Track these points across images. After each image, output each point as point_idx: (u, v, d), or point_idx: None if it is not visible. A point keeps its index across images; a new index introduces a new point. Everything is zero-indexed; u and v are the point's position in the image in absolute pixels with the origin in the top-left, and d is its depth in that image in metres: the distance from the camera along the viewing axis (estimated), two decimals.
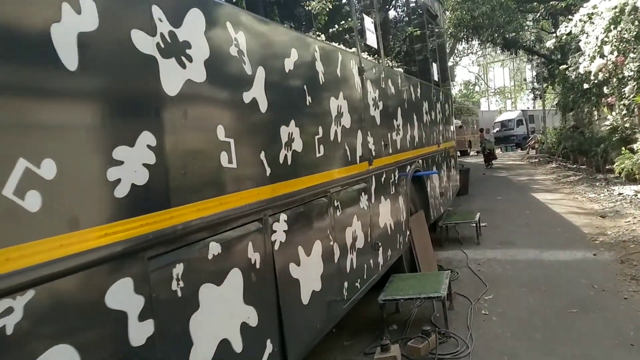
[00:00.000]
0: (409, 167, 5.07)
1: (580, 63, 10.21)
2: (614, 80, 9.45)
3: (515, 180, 14.11)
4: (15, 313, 1.18)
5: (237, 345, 2.03)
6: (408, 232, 4.87)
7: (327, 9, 5.43)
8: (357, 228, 3.50)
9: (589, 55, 9.47)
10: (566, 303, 4.15)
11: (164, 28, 1.72)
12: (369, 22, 4.27)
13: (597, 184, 11.26)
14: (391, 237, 4.31)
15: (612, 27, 8.54)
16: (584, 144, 14.84)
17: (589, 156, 14.00)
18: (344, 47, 3.86)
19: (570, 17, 10.59)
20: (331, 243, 3.05)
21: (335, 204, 3.16)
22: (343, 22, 5.73)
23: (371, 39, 4.29)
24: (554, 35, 13.14)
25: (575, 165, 15.76)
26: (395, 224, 4.42)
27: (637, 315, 3.77)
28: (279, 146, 2.49)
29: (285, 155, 2.54)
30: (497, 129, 31.84)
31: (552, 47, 15.08)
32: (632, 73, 8.64)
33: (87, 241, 1.38)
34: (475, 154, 27.56)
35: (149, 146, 1.61)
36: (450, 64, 16.92)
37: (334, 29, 5.76)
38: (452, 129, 8.67)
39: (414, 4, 8.04)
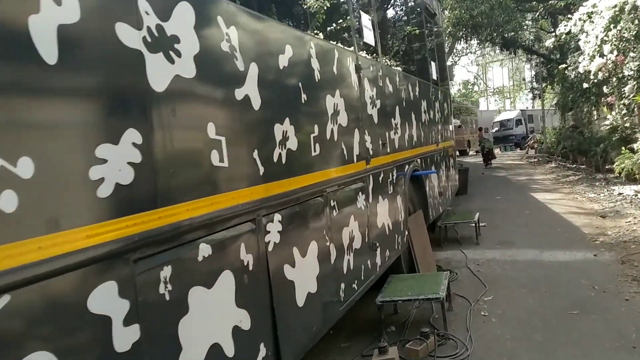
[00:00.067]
0: (407, 167, 5.01)
1: (580, 62, 10.16)
2: (614, 79, 9.41)
3: (515, 180, 14.07)
4: None
5: (229, 350, 1.97)
6: (406, 232, 4.81)
7: (325, 7, 5.39)
8: (355, 228, 3.44)
9: (588, 54, 9.42)
10: (566, 304, 4.09)
11: (151, 21, 1.66)
12: (366, 20, 4.22)
13: (597, 183, 11.22)
14: (389, 238, 4.25)
15: (612, 26, 8.49)
16: (584, 143, 14.81)
17: (589, 156, 13.96)
18: (340, 45, 3.80)
19: (569, 16, 10.53)
20: (327, 244, 2.99)
21: (332, 204, 3.10)
22: (341, 20, 5.68)
23: (369, 37, 4.23)
24: (553, 34, 13.09)
25: (574, 165, 15.72)
26: (393, 224, 4.37)
27: (638, 317, 3.71)
28: (273, 145, 2.43)
29: (280, 154, 2.48)
30: (496, 128, 31.82)
31: (551, 47, 15.08)
32: (632, 72, 8.60)
33: (67, 243, 1.31)
34: (475, 153, 27.52)
35: (134, 144, 1.54)
36: (449, 63, 16.90)
37: (332, 27, 5.71)
38: (451, 129, 8.63)
39: (412, 3, 7.99)
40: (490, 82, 50.45)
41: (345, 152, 3.36)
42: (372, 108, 4.01)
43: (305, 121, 2.84)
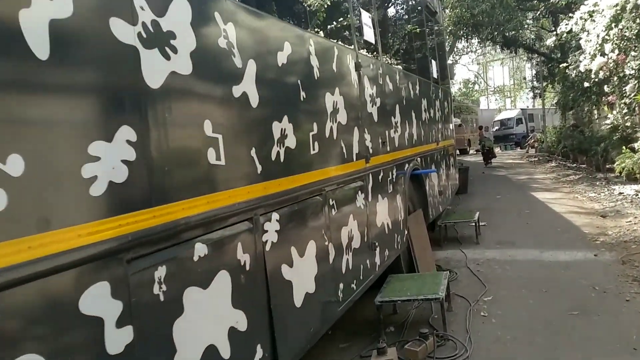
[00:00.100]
0: (407, 165, 4.98)
1: (581, 61, 10.12)
2: (615, 78, 9.38)
3: (515, 179, 14.03)
4: None
5: (225, 351, 1.94)
6: (406, 232, 4.78)
7: (326, 5, 5.35)
8: (354, 227, 3.41)
9: (589, 53, 9.38)
10: (567, 305, 4.06)
11: (146, 17, 1.63)
12: (367, 18, 4.18)
13: (597, 183, 11.18)
14: (388, 237, 4.22)
15: (613, 25, 8.45)
16: (584, 142, 14.78)
17: (589, 155, 13.93)
18: (340, 42, 3.77)
19: (570, 14, 10.49)
20: (326, 243, 2.96)
21: (331, 203, 3.07)
22: (341, 18, 5.65)
23: (369, 35, 4.20)
24: (554, 33, 13.01)
25: (575, 165, 15.68)
26: (392, 224, 4.33)
27: (639, 319, 3.68)
28: (271, 143, 2.39)
29: (278, 152, 2.44)
30: (497, 127, 31.76)
31: (552, 46, 14.99)
32: (633, 71, 8.57)
33: (58, 242, 1.28)
34: (475, 152, 27.48)
35: (128, 141, 1.51)
36: (449, 62, 16.84)
37: (332, 25, 5.67)
38: (451, 127, 8.60)
39: (413, 1, 7.95)
40: (491, 81, 50.43)
41: (344, 150, 3.33)
42: (372, 106, 3.98)
43: (304, 119, 2.81)
